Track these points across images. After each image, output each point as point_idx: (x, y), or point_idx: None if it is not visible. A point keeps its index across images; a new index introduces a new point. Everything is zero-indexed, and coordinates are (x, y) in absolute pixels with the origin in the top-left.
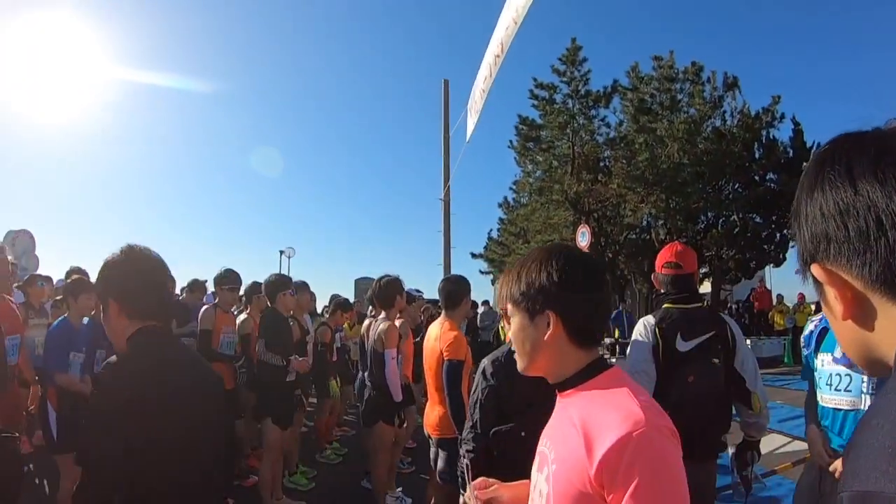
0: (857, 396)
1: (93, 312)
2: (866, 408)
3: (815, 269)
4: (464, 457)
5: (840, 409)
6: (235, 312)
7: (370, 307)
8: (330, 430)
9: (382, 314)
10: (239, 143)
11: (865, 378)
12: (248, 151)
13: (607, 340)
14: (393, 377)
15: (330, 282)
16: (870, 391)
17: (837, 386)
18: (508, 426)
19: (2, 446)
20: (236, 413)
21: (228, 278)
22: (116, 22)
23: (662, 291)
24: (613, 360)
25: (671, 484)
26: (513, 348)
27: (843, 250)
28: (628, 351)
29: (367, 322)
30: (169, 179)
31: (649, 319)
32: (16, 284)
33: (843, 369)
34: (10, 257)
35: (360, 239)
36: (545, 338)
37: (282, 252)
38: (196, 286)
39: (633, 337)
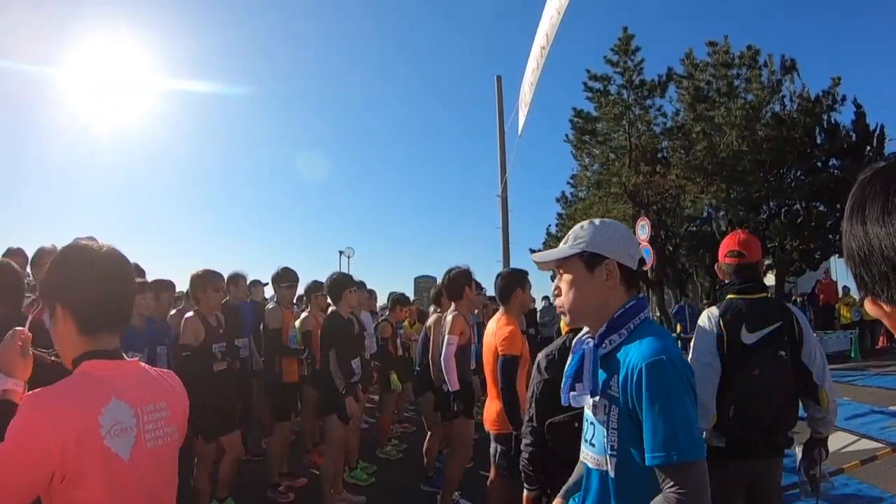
0: (600, 454)
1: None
2: (611, 474)
3: (867, 305)
4: (522, 451)
5: (586, 464)
6: (296, 310)
7: (431, 306)
8: (390, 426)
9: (452, 306)
10: (295, 146)
11: (607, 432)
12: (303, 154)
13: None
14: (449, 363)
15: (389, 281)
16: (610, 451)
17: (586, 434)
18: (563, 417)
19: None
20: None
21: (285, 276)
22: (163, 37)
23: (726, 282)
24: None
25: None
26: (567, 342)
27: (877, 290)
28: (692, 344)
29: (433, 317)
30: (225, 186)
31: (713, 311)
32: None
33: (589, 414)
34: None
35: (419, 238)
36: (58, 332)
37: (341, 252)
38: (236, 278)
39: (697, 329)
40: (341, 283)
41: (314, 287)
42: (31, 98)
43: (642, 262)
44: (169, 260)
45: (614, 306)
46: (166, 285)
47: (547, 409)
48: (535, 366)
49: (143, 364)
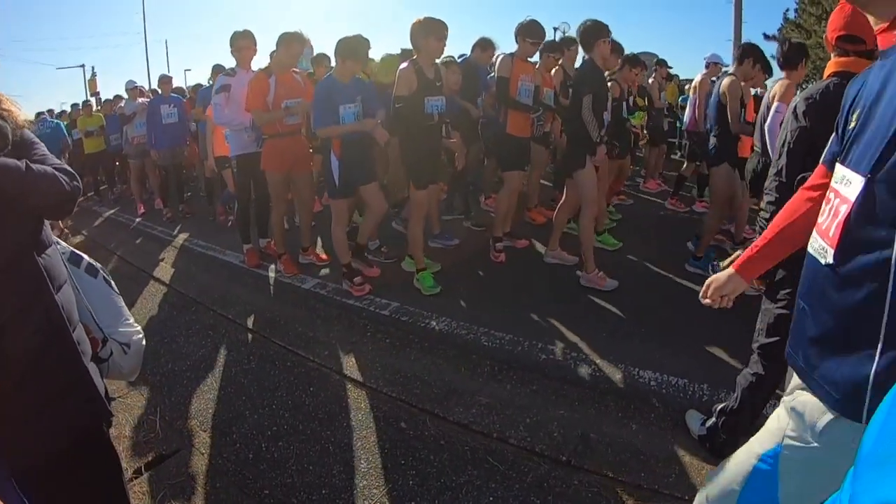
0: None
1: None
2: None
3: None
4: (764, 210)
5: None
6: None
7: None
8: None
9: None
10: None
11: None
12: None
13: None
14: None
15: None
16: None
17: None
18: None
19: None
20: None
21: (533, 30)
22: None
23: None
24: None
25: None
26: (832, 85)
27: None
28: None
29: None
30: None
31: None
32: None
33: None
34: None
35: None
36: None
37: (556, 28)
38: (485, 44)
39: None
40: (595, 32)
41: (548, 47)
42: None
43: None
44: None
45: None
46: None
47: (800, 162)
48: (792, 111)
49: None
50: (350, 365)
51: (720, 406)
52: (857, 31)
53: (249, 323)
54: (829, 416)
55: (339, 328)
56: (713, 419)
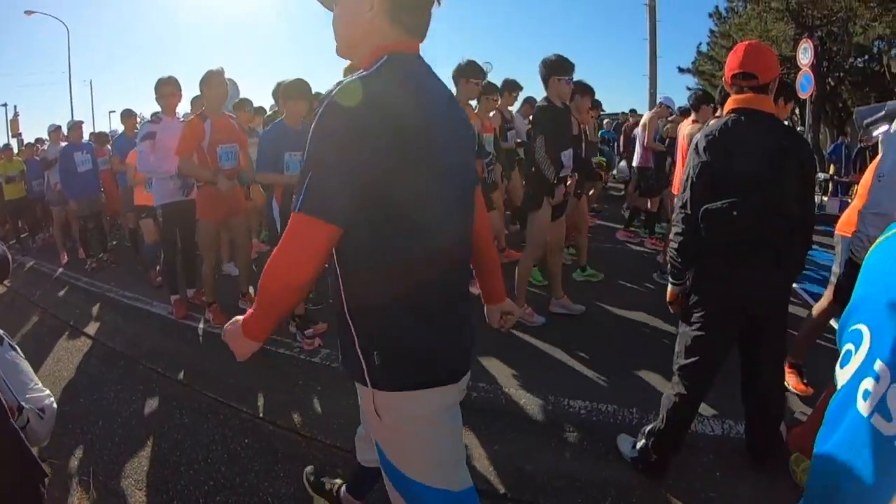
0: None
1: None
2: None
3: None
4: (672, 240)
5: None
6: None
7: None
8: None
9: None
10: None
11: None
12: None
13: (821, 176)
14: None
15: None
16: None
17: None
18: (721, 203)
19: None
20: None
21: (475, 70)
22: None
23: None
24: (825, 198)
25: None
26: (729, 121)
27: None
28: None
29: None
30: None
31: None
32: None
33: None
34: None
35: (558, 45)
36: None
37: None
38: None
39: None
40: (550, 67)
41: (487, 89)
42: None
43: None
44: None
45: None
46: None
47: (703, 195)
48: (693, 147)
49: None
50: (284, 414)
51: (648, 427)
52: (750, 68)
53: (180, 376)
54: (359, 391)
55: (271, 378)
56: (643, 441)
